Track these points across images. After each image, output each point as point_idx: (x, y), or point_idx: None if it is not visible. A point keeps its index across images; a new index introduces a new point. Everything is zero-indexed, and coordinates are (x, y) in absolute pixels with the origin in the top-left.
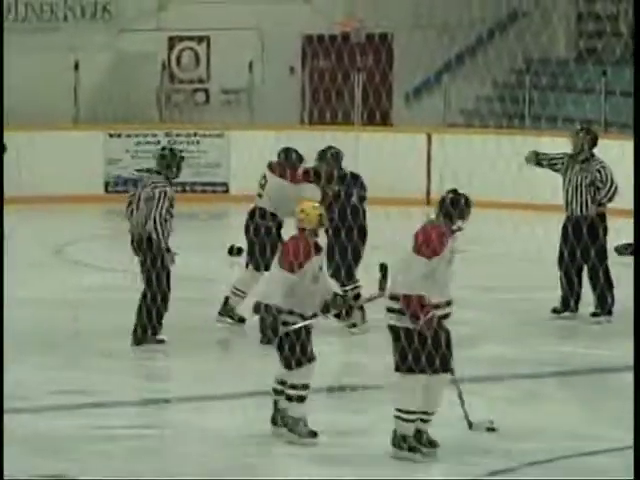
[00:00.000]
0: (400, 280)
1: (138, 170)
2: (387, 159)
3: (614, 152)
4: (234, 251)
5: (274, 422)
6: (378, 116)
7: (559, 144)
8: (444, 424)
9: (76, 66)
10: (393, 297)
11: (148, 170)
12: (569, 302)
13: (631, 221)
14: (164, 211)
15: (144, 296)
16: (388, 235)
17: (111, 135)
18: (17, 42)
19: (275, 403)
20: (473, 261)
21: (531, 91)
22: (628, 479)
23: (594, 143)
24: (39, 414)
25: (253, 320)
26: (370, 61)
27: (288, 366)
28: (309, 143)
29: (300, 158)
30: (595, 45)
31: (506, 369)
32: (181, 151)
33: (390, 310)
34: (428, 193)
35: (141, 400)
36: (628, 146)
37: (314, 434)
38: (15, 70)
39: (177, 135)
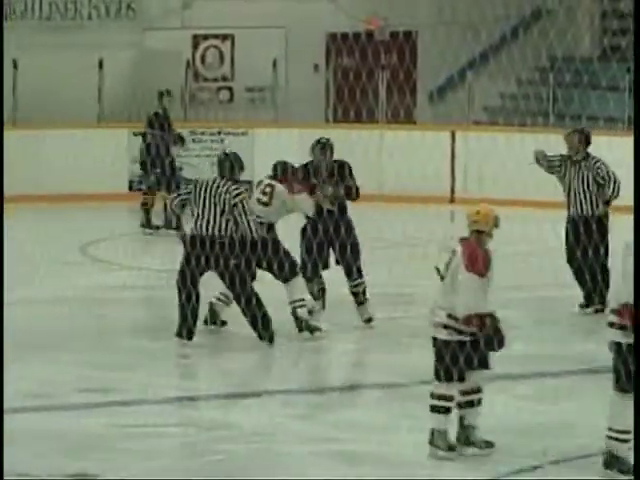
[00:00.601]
0: None
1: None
2: (411, 157)
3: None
4: None
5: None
6: (402, 114)
7: None
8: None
9: (100, 64)
10: None
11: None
12: (593, 298)
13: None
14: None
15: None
16: (411, 232)
17: (135, 134)
18: (42, 40)
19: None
20: (497, 260)
21: (555, 89)
22: None
23: (588, 142)
24: (63, 412)
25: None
26: (394, 59)
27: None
28: (333, 141)
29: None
30: (619, 43)
31: (533, 367)
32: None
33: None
34: (452, 191)
35: (165, 398)
36: None
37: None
38: (40, 68)
39: (201, 133)
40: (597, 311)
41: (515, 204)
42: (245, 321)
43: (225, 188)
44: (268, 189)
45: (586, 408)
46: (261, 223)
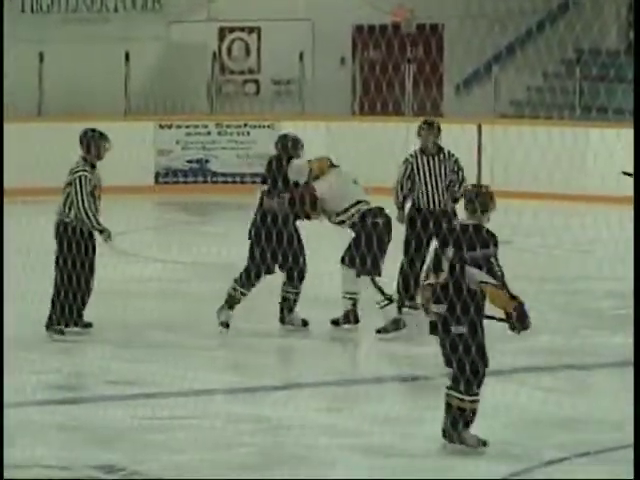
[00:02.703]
0: None
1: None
2: None
3: None
4: None
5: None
6: (428, 107)
7: (609, 135)
8: (495, 414)
9: (127, 57)
10: None
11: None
12: None
13: None
14: None
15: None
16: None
17: (161, 126)
18: (68, 33)
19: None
20: (523, 252)
21: (581, 82)
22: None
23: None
24: (89, 404)
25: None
26: (421, 52)
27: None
28: (360, 134)
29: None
30: None
31: (558, 360)
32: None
33: None
34: (478, 183)
35: (191, 390)
36: None
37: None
38: (66, 62)
39: (227, 126)
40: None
41: (541, 197)
42: (275, 313)
43: None
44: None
45: (612, 401)
46: None
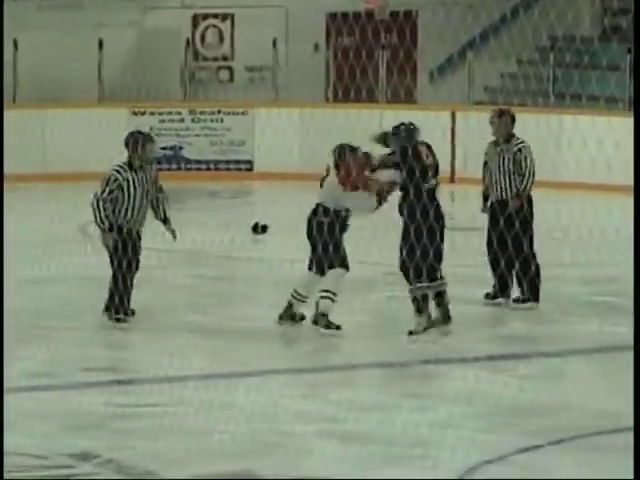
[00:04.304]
0: None
1: None
2: None
3: None
4: (258, 228)
5: None
6: (402, 94)
7: (583, 122)
8: (470, 402)
9: (101, 44)
10: None
11: None
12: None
13: None
14: None
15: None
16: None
17: (135, 113)
18: (42, 19)
19: None
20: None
21: (555, 69)
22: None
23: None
24: (66, 391)
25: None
26: (394, 38)
27: None
28: (333, 120)
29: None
30: (620, 23)
31: (533, 347)
32: None
33: None
34: (452, 171)
35: (166, 378)
36: None
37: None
38: (40, 48)
39: (201, 113)
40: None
41: None
42: (248, 298)
43: None
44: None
45: (588, 388)
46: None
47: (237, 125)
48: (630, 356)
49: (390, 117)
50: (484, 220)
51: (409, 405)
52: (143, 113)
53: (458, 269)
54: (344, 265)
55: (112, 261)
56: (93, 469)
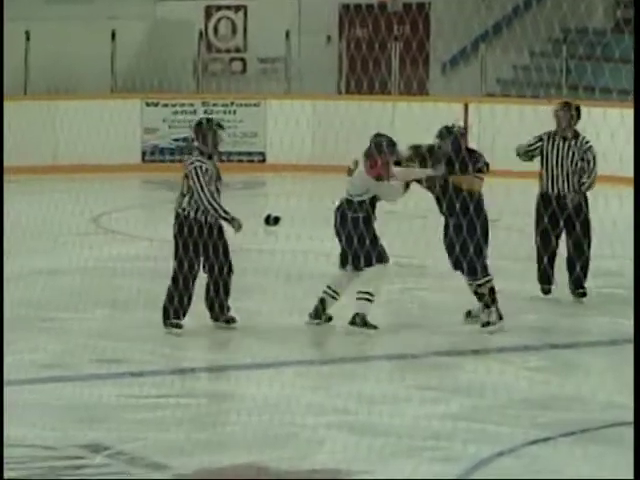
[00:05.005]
0: None
1: None
2: (424, 129)
3: None
4: (271, 220)
5: None
6: (415, 86)
7: (595, 114)
8: (481, 394)
9: (113, 35)
10: None
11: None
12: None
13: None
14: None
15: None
16: (423, 204)
17: (148, 104)
18: (54, 11)
19: None
20: (510, 231)
21: (568, 61)
22: None
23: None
24: (76, 383)
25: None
26: (407, 30)
27: None
28: (346, 112)
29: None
30: (632, 14)
31: (543, 339)
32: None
33: None
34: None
35: (177, 369)
36: None
37: None
38: (52, 40)
39: (214, 104)
40: (547, 292)
41: (528, 176)
42: (259, 290)
43: None
44: (352, 166)
45: (599, 381)
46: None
47: (249, 117)
48: None
49: (402, 109)
50: (496, 213)
51: (420, 397)
52: (156, 104)
53: None
54: (384, 259)
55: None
56: (104, 460)
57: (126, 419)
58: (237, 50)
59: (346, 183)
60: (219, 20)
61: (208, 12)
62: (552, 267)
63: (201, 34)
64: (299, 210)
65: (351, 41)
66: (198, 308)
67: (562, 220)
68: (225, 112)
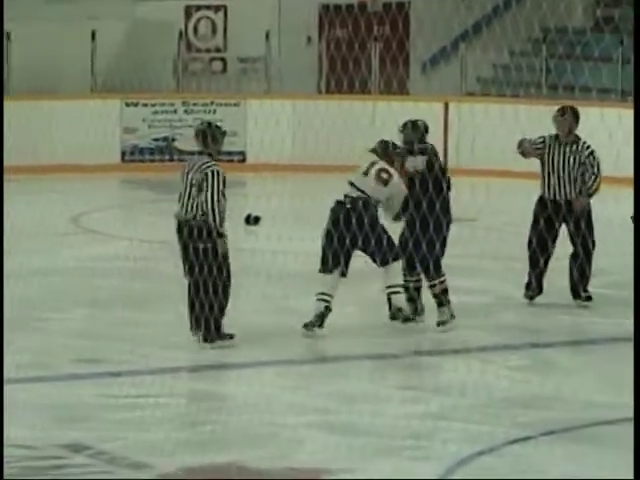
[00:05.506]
0: None
1: None
2: None
3: (630, 121)
4: (251, 220)
5: None
6: (395, 85)
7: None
8: (461, 393)
9: (93, 35)
10: None
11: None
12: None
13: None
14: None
15: (198, 289)
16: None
17: (128, 104)
18: (34, 11)
19: None
20: (489, 230)
21: (548, 60)
22: None
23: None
24: (56, 383)
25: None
26: (387, 30)
27: None
28: (326, 112)
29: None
30: (612, 14)
31: (524, 338)
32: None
33: None
34: (445, 162)
35: (157, 369)
36: None
37: None
38: (32, 40)
39: (194, 104)
40: (532, 298)
41: (508, 175)
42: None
43: None
44: (385, 175)
45: (579, 380)
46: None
47: (230, 116)
48: (621, 348)
49: (383, 109)
50: (475, 212)
51: (401, 396)
52: (136, 104)
53: (448, 260)
54: (399, 256)
55: (220, 271)
56: (85, 460)
57: (106, 419)
58: (217, 50)
59: (360, 182)
60: (199, 20)
61: (188, 12)
62: (543, 274)
63: (181, 34)
64: (279, 210)
65: (331, 41)
66: (180, 309)
67: (561, 225)
68: (205, 112)
